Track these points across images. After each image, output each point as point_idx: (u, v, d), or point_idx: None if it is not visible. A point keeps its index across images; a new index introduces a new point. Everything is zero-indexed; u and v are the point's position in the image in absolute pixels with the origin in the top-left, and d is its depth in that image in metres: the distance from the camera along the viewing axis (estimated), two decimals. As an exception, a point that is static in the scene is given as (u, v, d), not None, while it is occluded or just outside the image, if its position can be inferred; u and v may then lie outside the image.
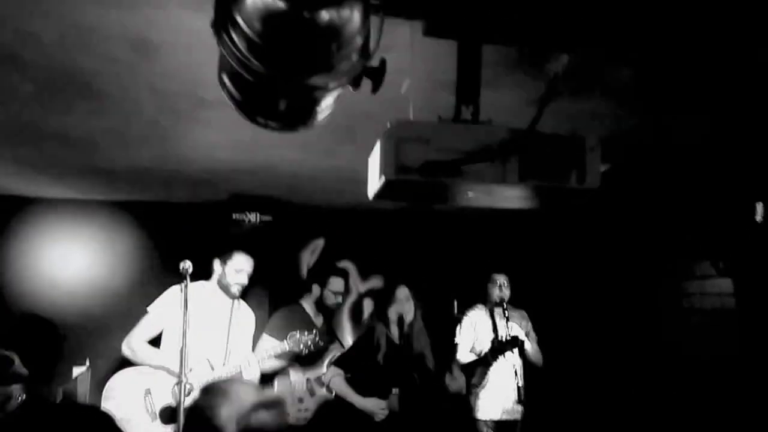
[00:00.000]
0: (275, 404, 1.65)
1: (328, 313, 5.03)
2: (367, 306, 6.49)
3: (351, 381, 4.46)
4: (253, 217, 5.96)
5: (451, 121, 1.93)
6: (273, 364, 4.66)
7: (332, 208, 6.01)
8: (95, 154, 4.26)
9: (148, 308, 4.21)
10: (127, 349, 4.15)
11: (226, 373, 4.09)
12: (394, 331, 4.47)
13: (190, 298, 4.11)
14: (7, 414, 4.64)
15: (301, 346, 4.30)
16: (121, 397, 4.08)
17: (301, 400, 4.78)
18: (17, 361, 4.91)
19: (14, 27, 2.42)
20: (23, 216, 6.00)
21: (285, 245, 6.20)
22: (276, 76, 1.56)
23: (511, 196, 2.02)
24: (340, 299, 5.02)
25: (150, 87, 3.05)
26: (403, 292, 4.54)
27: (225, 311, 4.25)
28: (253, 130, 3.56)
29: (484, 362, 4.90)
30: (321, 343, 4.44)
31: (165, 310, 4.19)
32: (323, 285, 4.96)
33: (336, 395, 4.54)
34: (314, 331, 4.38)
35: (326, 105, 1.74)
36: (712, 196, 3.86)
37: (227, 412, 1.60)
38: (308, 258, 6.44)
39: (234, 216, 5.91)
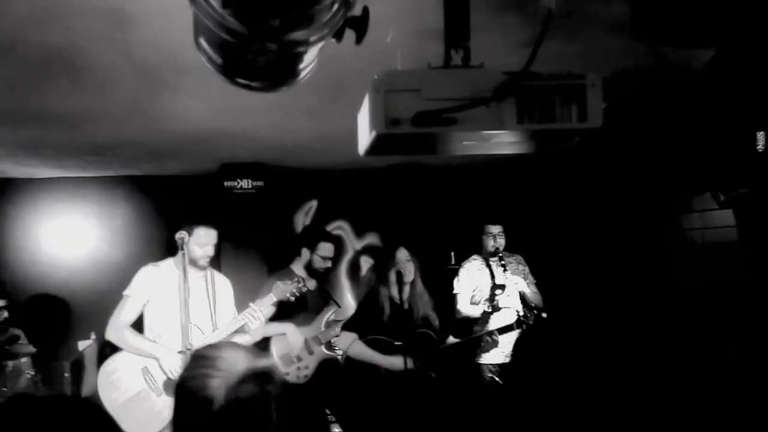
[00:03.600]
0: (265, 374, 1.57)
1: (319, 276, 5.01)
2: (364, 263, 6.48)
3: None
4: (245, 183, 5.91)
5: (442, 67, 1.85)
6: (273, 329, 4.67)
7: (324, 169, 5.95)
8: (81, 131, 4.19)
9: (125, 292, 4.14)
10: (113, 336, 4.10)
11: (230, 330, 4.08)
12: (395, 291, 4.46)
13: (164, 276, 4.10)
14: (18, 392, 4.67)
15: (288, 294, 4.29)
16: (122, 377, 4.06)
17: (299, 359, 4.79)
18: (23, 338, 4.93)
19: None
20: (18, 198, 5.99)
21: (278, 210, 6.15)
22: (254, 33, 1.47)
23: (509, 142, 1.94)
24: (329, 263, 5.00)
25: (130, 59, 2.96)
26: (402, 254, 4.53)
27: (201, 283, 4.21)
28: (238, 96, 3.47)
29: (484, 319, 4.91)
30: (305, 289, 4.42)
31: (142, 291, 4.14)
32: (312, 249, 4.94)
33: (347, 360, 4.54)
34: (296, 279, 4.35)
35: (309, 60, 1.65)
36: (710, 128, 3.79)
37: (217, 383, 1.53)
38: (302, 220, 6.40)
39: (225, 184, 5.86)
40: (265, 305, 4.23)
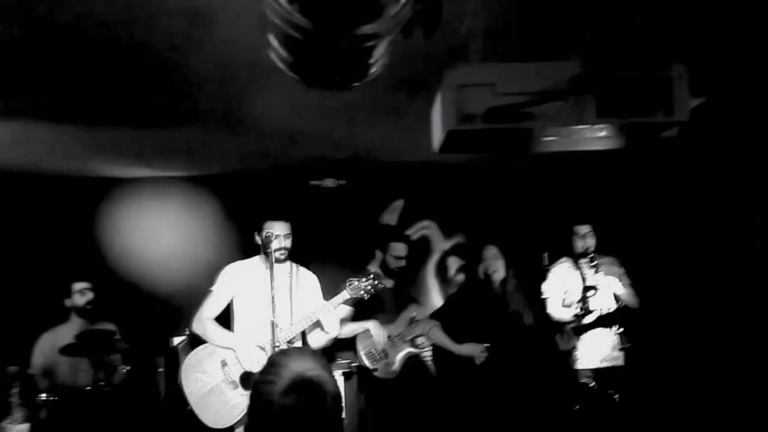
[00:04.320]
0: (310, 384, 1.58)
1: (396, 275, 4.99)
2: (452, 263, 6.40)
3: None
4: (330, 182, 5.96)
5: (517, 61, 1.77)
6: (355, 326, 4.70)
7: (410, 168, 5.90)
8: (170, 131, 4.30)
9: (212, 288, 4.26)
10: (197, 328, 4.23)
11: (302, 326, 4.11)
12: (485, 288, 4.45)
13: (250, 273, 4.18)
14: (114, 386, 4.87)
15: (361, 292, 4.26)
16: (203, 369, 4.16)
17: (386, 355, 4.81)
18: (117, 333, 5.13)
19: (72, 8, 2.40)
20: (111, 197, 6.23)
21: (363, 208, 6.17)
22: (320, 28, 1.44)
23: (590, 137, 1.84)
24: (402, 263, 4.98)
25: (212, 58, 3.01)
26: (491, 251, 4.53)
27: (283, 279, 4.25)
28: (321, 94, 3.54)
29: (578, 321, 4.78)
30: (380, 286, 4.37)
31: (226, 287, 4.24)
32: (384, 250, 4.95)
33: (432, 347, 4.57)
34: (371, 275, 4.33)
35: (378, 55, 1.62)
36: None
37: (276, 389, 1.56)
38: (389, 220, 6.38)
39: (311, 182, 5.92)
40: (338, 302, 4.25)
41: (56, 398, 4.54)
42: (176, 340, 5.73)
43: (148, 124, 4.10)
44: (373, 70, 1.68)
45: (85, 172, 5.83)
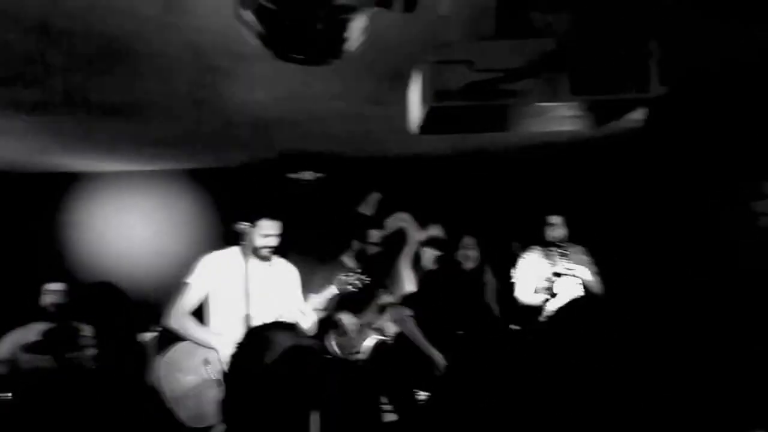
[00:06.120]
0: (309, 350, 1.59)
1: (368, 263, 5.03)
2: (427, 255, 6.44)
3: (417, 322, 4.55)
4: (307, 175, 5.94)
5: (494, 38, 1.79)
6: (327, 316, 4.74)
7: (386, 158, 5.91)
8: (140, 122, 4.25)
9: (187, 279, 4.19)
10: (173, 323, 4.14)
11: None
12: (458, 274, 4.51)
13: (227, 265, 4.12)
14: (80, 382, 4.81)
15: (347, 286, 4.30)
16: (182, 368, 4.10)
17: (354, 345, 4.85)
18: (86, 330, 5.07)
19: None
20: (81, 192, 6.15)
21: (341, 201, 6.17)
22: None
23: (562, 116, 1.87)
24: (379, 250, 5.06)
25: (186, 45, 2.96)
26: (464, 241, 4.56)
27: (264, 273, 4.22)
28: (296, 83, 3.52)
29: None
30: (367, 281, 4.42)
31: (205, 279, 4.18)
32: (362, 239, 5.00)
33: (398, 337, 4.58)
34: (358, 271, 4.37)
35: (356, 30, 1.62)
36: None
37: (265, 360, 1.56)
38: (365, 212, 6.39)
39: (288, 175, 5.90)
40: (325, 297, 4.25)
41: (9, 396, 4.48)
42: (145, 337, 5.67)
43: (119, 114, 4.04)
44: (350, 45, 1.68)
45: (50, 167, 5.76)
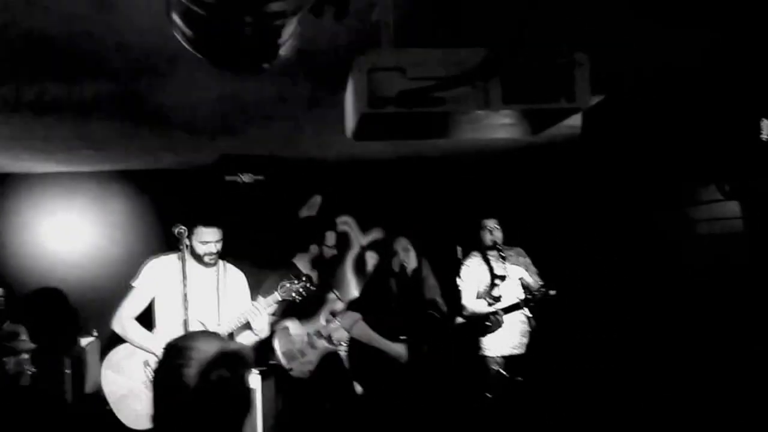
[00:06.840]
0: (236, 356, 1.57)
1: (323, 267, 5.00)
2: (370, 259, 6.44)
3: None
4: (246, 177, 5.86)
5: (428, 46, 1.79)
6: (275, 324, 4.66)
7: (326, 162, 5.89)
8: (74, 123, 4.14)
9: (133, 283, 4.12)
10: (117, 327, 4.09)
11: (230, 327, 4.04)
12: (400, 280, 4.49)
13: (170, 270, 4.08)
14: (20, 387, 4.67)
15: (293, 294, 4.22)
16: (122, 370, 4.05)
17: (303, 354, 4.78)
18: (24, 334, 4.92)
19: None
20: (15, 193, 5.98)
21: (281, 204, 6.11)
22: (228, 4, 1.42)
23: (500, 124, 1.88)
24: (335, 252, 5.02)
25: (117, 44, 2.88)
26: (401, 243, 4.57)
27: (209, 278, 4.17)
28: (235, 85, 3.47)
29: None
30: (313, 289, 4.34)
31: (151, 283, 4.12)
32: (320, 243, 4.95)
33: (349, 342, 4.54)
34: (303, 278, 4.29)
35: (288, 35, 1.60)
36: (713, 117, 3.70)
37: (190, 371, 1.53)
38: (306, 216, 6.35)
39: (227, 178, 5.81)
40: (269, 303, 4.19)
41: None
42: (84, 341, 5.54)
43: (52, 114, 3.92)
44: (282, 51, 1.66)
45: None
